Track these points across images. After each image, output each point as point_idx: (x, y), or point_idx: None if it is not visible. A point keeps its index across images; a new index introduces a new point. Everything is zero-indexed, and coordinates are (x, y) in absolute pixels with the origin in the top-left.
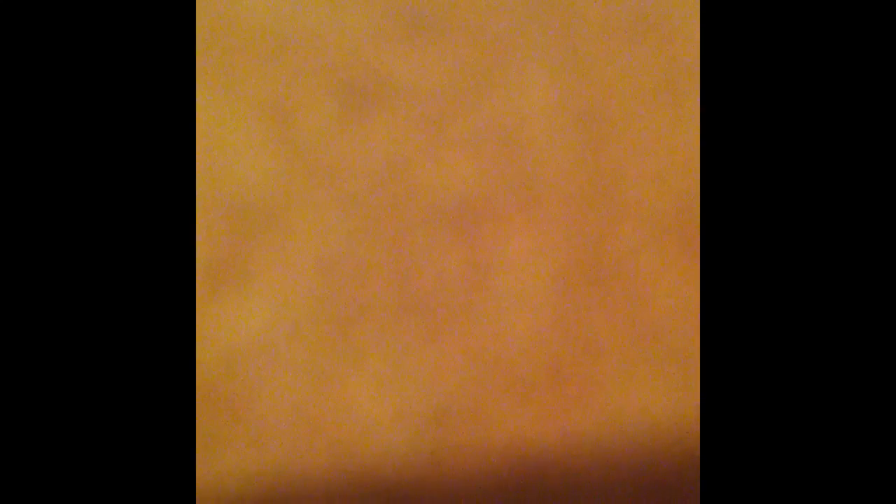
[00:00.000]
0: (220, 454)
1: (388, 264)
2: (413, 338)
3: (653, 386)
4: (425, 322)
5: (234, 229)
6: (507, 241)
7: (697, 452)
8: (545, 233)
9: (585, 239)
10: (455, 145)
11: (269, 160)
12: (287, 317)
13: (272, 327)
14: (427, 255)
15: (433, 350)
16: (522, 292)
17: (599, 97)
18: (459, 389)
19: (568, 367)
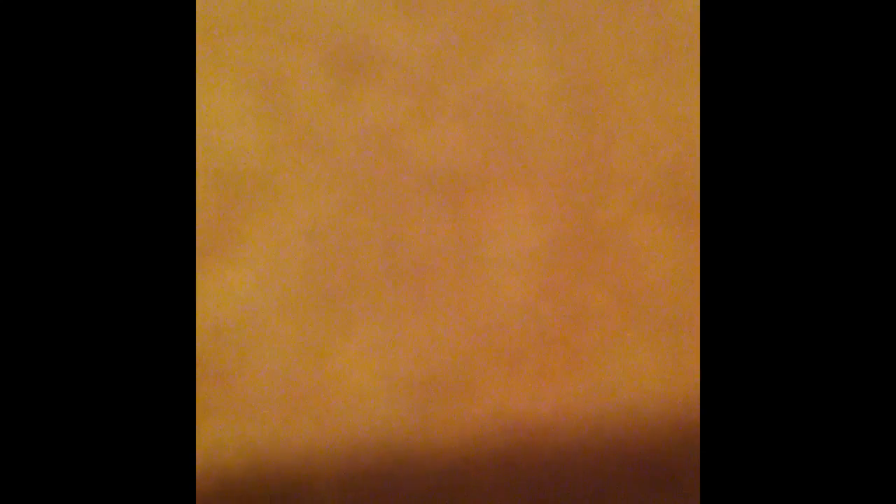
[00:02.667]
0: (208, 424)
1: (378, 234)
2: (403, 307)
3: (644, 353)
4: (415, 291)
5: (224, 199)
6: (498, 210)
7: (690, 419)
8: (536, 202)
9: (576, 207)
10: (446, 115)
11: (258, 130)
12: (276, 286)
13: (261, 297)
14: (417, 225)
15: (423, 319)
16: (513, 261)
17: (591, 65)
18: (449, 358)
19: (558, 336)
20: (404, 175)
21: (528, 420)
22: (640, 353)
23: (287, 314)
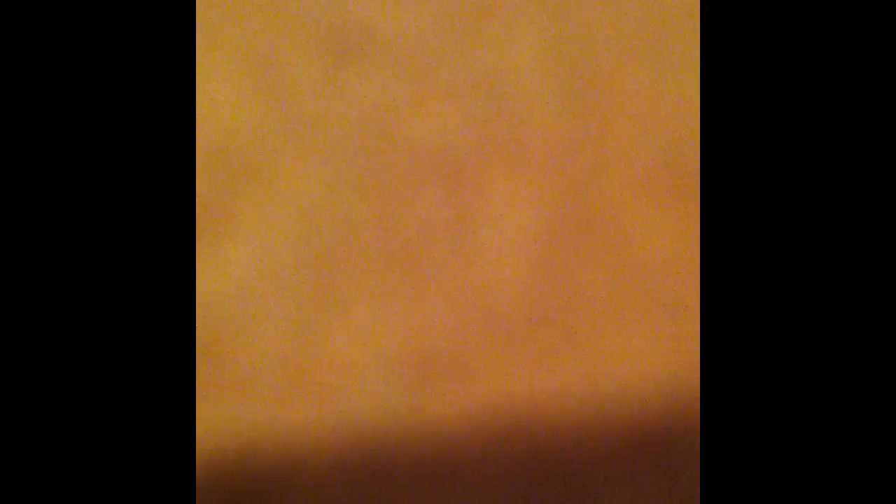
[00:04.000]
0: (202, 403)
1: (372, 214)
2: (398, 287)
3: (640, 335)
4: (409, 272)
5: (219, 179)
6: (493, 191)
7: (688, 401)
8: (531, 182)
9: (572, 188)
10: (441, 96)
11: (254, 111)
12: (271, 266)
13: (256, 277)
14: (412, 206)
15: (418, 299)
16: (508, 242)
17: (588, 45)
18: (444, 339)
19: (553, 317)
20: (399, 156)
21: (523, 401)
22: (637, 335)
23: (282, 294)
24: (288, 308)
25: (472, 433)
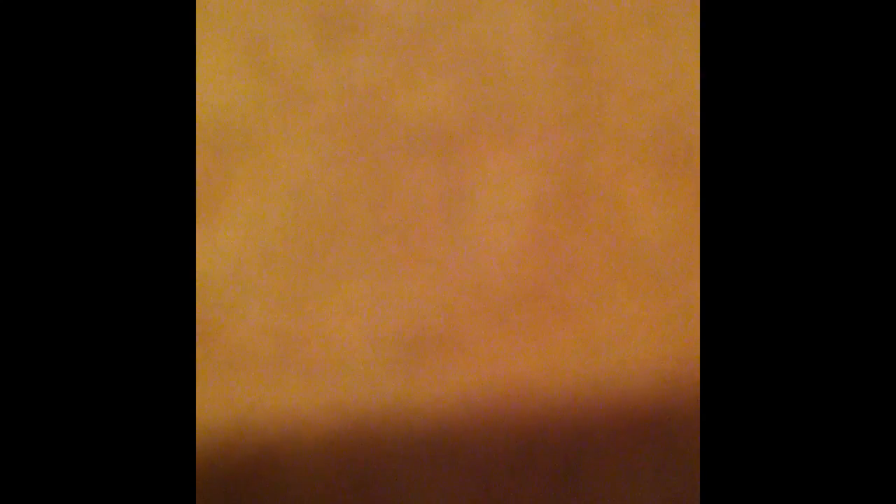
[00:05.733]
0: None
1: (364, 188)
2: (389, 262)
3: (635, 309)
4: (402, 246)
5: (210, 155)
6: (486, 165)
7: (684, 374)
8: (524, 156)
9: (566, 162)
10: (433, 70)
11: (245, 86)
12: (262, 241)
13: (247, 252)
14: (404, 180)
15: (410, 274)
16: (501, 216)
17: (583, 15)
18: (436, 313)
19: (546, 291)
20: (392, 131)
21: (516, 375)
22: (632, 310)
23: (273, 269)
24: (279, 284)
25: (465, 408)
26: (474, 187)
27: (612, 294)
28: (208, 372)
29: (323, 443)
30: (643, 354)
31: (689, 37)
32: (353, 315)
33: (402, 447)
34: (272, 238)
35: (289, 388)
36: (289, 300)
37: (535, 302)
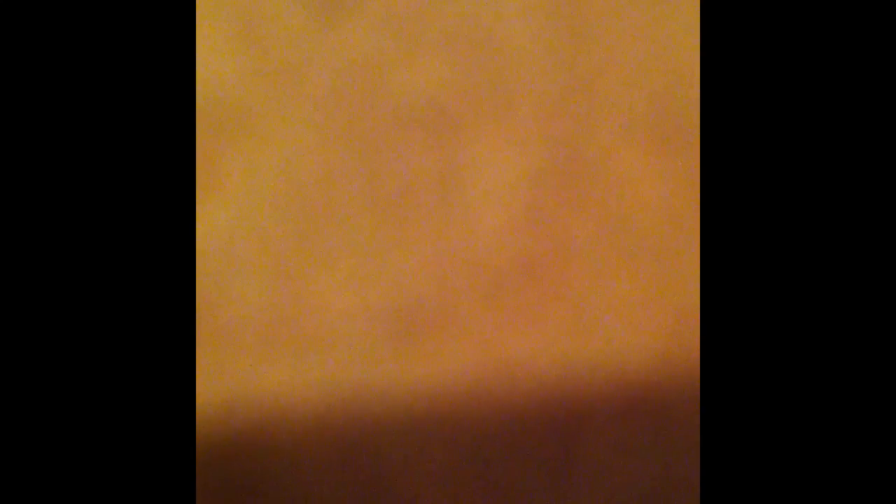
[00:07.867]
0: None
1: (358, 165)
2: (383, 238)
3: (631, 286)
4: (395, 223)
5: (201, 132)
6: (480, 141)
7: (680, 354)
8: (519, 132)
9: (561, 137)
10: (427, 46)
11: (237, 62)
12: (254, 217)
13: (239, 228)
14: (398, 156)
15: (403, 251)
16: (495, 193)
17: None
18: (429, 290)
19: (540, 267)
20: (385, 106)
21: (509, 353)
22: (628, 287)
23: (265, 245)
24: (271, 260)
25: (458, 385)
26: (469, 164)
27: (607, 271)
28: (201, 348)
29: (315, 419)
30: (639, 331)
31: (687, 12)
32: (346, 292)
33: (394, 424)
34: (265, 215)
35: (281, 365)
36: (280, 276)
37: (529, 279)
